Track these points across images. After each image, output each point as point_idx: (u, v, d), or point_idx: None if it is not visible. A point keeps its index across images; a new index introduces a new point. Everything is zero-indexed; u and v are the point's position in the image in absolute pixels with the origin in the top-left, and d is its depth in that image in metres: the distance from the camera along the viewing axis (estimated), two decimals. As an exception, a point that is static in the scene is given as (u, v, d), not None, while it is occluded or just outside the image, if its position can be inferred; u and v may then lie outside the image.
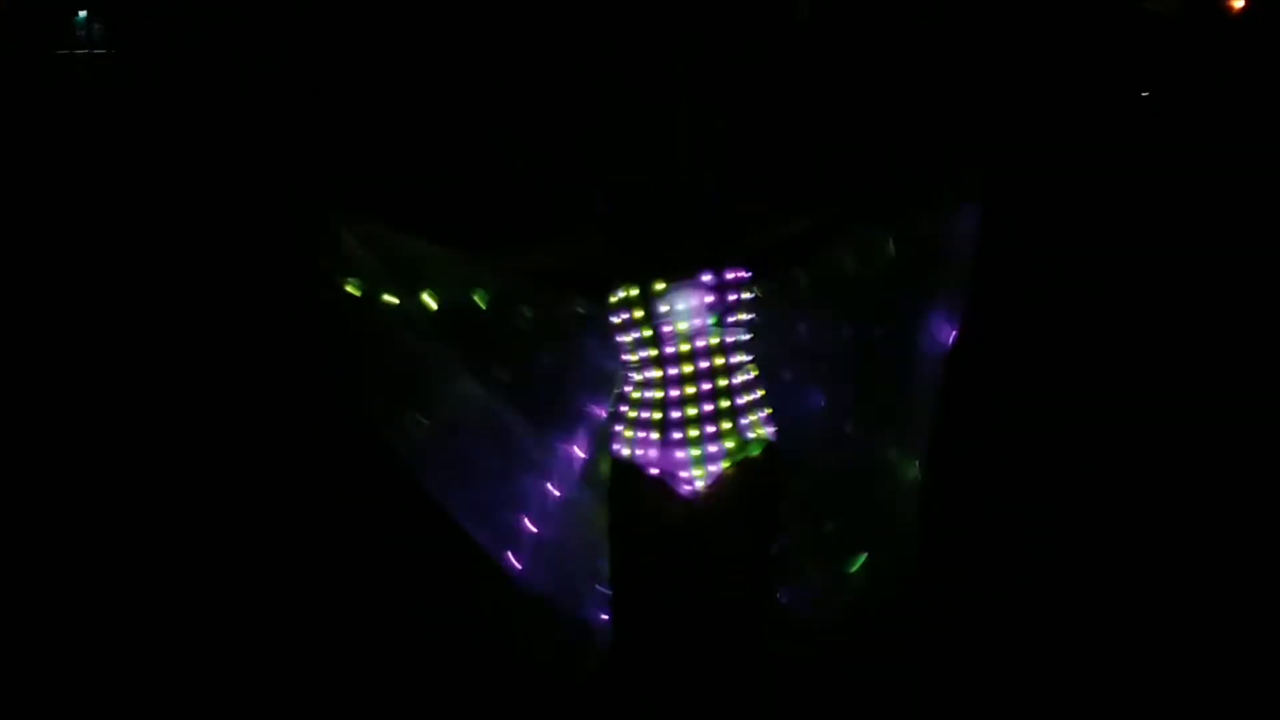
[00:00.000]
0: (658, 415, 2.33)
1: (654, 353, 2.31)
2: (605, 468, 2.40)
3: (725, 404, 2.33)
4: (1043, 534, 3.85)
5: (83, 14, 10.41)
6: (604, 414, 2.48)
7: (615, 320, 2.34)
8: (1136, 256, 6.79)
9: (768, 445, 2.37)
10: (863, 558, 2.51)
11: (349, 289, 2.29)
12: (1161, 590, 3.51)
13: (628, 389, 2.38)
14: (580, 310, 2.46)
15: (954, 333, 2.44)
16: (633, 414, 2.36)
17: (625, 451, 2.37)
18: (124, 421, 5.04)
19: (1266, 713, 2.95)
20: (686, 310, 2.30)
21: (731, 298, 2.31)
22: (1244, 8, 9.37)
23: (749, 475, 2.35)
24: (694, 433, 2.31)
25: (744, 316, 2.34)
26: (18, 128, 9.28)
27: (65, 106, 10.18)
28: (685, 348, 2.31)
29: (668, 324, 2.30)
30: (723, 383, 2.32)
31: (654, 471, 2.34)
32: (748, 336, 2.37)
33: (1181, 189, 7.78)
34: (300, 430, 4.69)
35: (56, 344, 6.16)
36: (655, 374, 2.32)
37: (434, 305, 2.38)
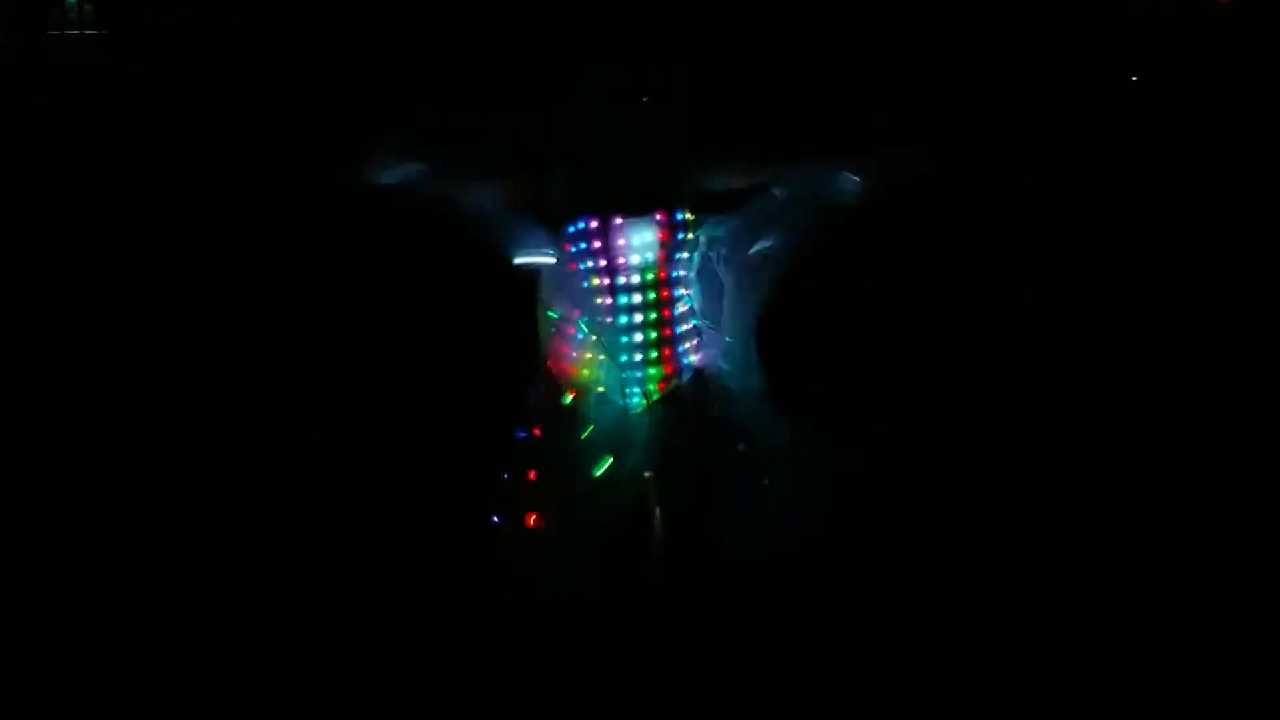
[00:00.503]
0: (605, 338, 2.57)
1: (606, 281, 2.56)
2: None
3: (666, 332, 2.58)
4: (1042, 534, 3.85)
5: (74, -5, 10.47)
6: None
7: (572, 249, 2.56)
8: (1135, 255, 6.74)
9: (697, 371, 2.64)
10: None
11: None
12: (1161, 590, 3.54)
13: (577, 311, 2.59)
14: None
15: None
16: (581, 336, 2.59)
17: (573, 370, 2.60)
18: (119, 417, 5.00)
19: (1267, 713, 2.99)
20: (640, 244, 2.55)
21: (679, 236, 2.57)
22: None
23: (682, 397, 2.61)
24: (637, 356, 2.57)
25: (686, 255, 2.60)
26: (8, 110, 9.35)
27: (56, 88, 10.27)
28: (635, 279, 2.56)
29: (621, 256, 2.54)
30: (665, 313, 2.58)
31: (600, 388, 2.58)
32: (688, 272, 2.64)
33: (1175, 186, 7.74)
34: (299, 429, 4.66)
35: (52, 333, 6.13)
36: (605, 300, 2.56)
37: None
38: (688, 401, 2.60)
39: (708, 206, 2.71)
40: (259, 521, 4.02)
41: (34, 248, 7.40)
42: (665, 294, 2.57)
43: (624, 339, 2.56)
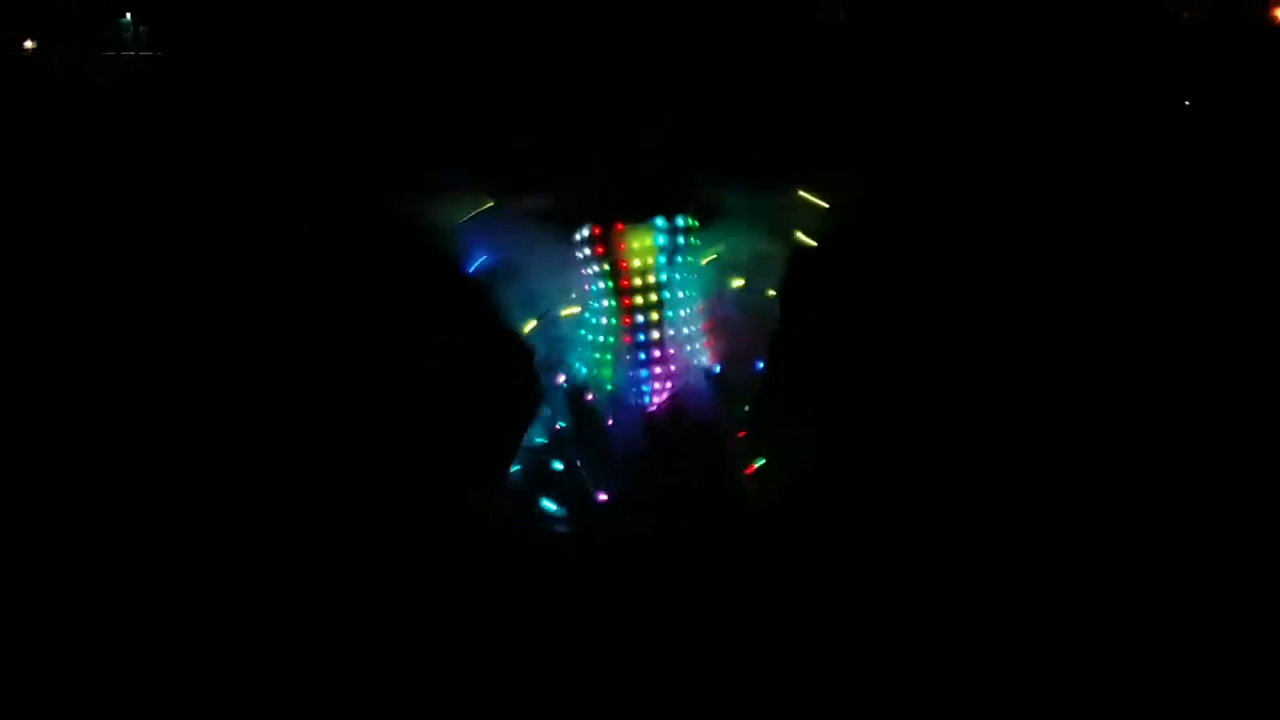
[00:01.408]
0: (612, 339, 2.65)
1: (611, 284, 2.64)
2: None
3: (672, 333, 2.65)
4: (1042, 534, 3.77)
5: (128, 16, 10.80)
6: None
7: (579, 254, 2.66)
8: (1151, 267, 6.72)
9: (707, 372, 2.69)
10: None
11: None
12: (1160, 590, 3.45)
13: (587, 315, 2.70)
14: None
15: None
16: (591, 337, 2.69)
17: (584, 370, 2.70)
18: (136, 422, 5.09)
19: (1266, 713, 2.92)
20: (642, 249, 2.62)
21: (681, 241, 2.64)
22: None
23: (692, 400, 2.67)
24: (643, 357, 2.64)
25: (692, 259, 2.67)
26: (63, 128, 9.65)
27: (111, 108, 10.55)
28: (639, 282, 2.63)
29: (625, 261, 2.62)
30: (670, 314, 2.65)
31: (609, 387, 2.67)
32: (695, 275, 2.69)
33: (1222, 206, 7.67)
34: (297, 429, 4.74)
35: (91, 341, 6.31)
36: (612, 303, 2.65)
37: None
38: (695, 403, 2.66)
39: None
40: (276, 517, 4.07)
41: (86, 257, 7.59)
42: (669, 296, 2.63)
43: (628, 340, 2.63)
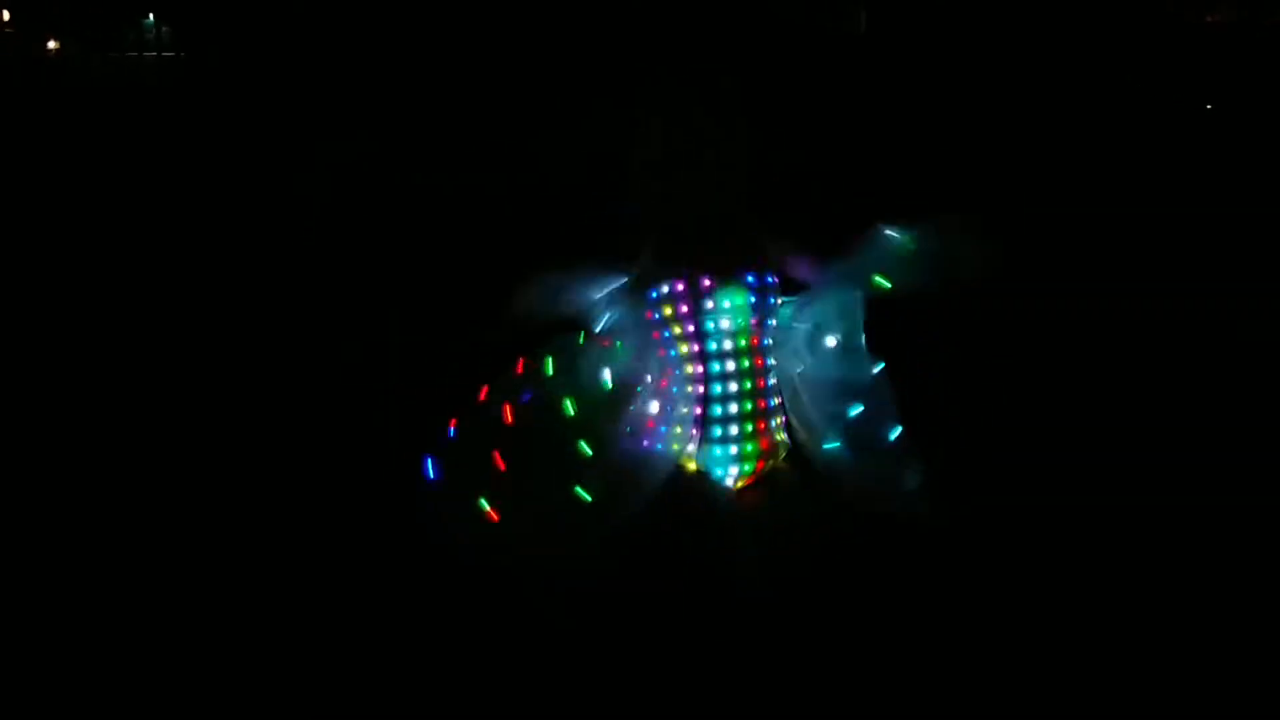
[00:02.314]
0: (689, 410, 2.36)
1: (695, 348, 2.34)
2: None
3: (760, 404, 2.36)
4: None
5: (151, 17, 10.71)
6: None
7: (655, 315, 2.36)
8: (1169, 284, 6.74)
9: (790, 450, 2.42)
10: None
11: None
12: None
13: (664, 382, 2.40)
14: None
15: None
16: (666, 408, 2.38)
17: (658, 445, 2.37)
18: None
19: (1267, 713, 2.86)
20: (730, 310, 2.33)
21: (770, 301, 2.36)
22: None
23: (782, 483, 2.41)
24: (733, 430, 2.35)
25: (774, 322, 2.39)
26: (85, 129, 9.59)
27: (133, 108, 10.49)
28: (728, 345, 2.34)
29: (710, 321, 2.33)
30: (759, 384, 2.36)
31: (691, 466, 2.37)
32: (787, 339, 2.41)
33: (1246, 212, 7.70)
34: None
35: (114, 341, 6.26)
36: (694, 369, 2.35)
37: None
38: (788, 482, 2.39)
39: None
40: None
41: (107, 257, 7.54)
42: (759, 363, 2.35)
43: (717, 411, 2.34)
